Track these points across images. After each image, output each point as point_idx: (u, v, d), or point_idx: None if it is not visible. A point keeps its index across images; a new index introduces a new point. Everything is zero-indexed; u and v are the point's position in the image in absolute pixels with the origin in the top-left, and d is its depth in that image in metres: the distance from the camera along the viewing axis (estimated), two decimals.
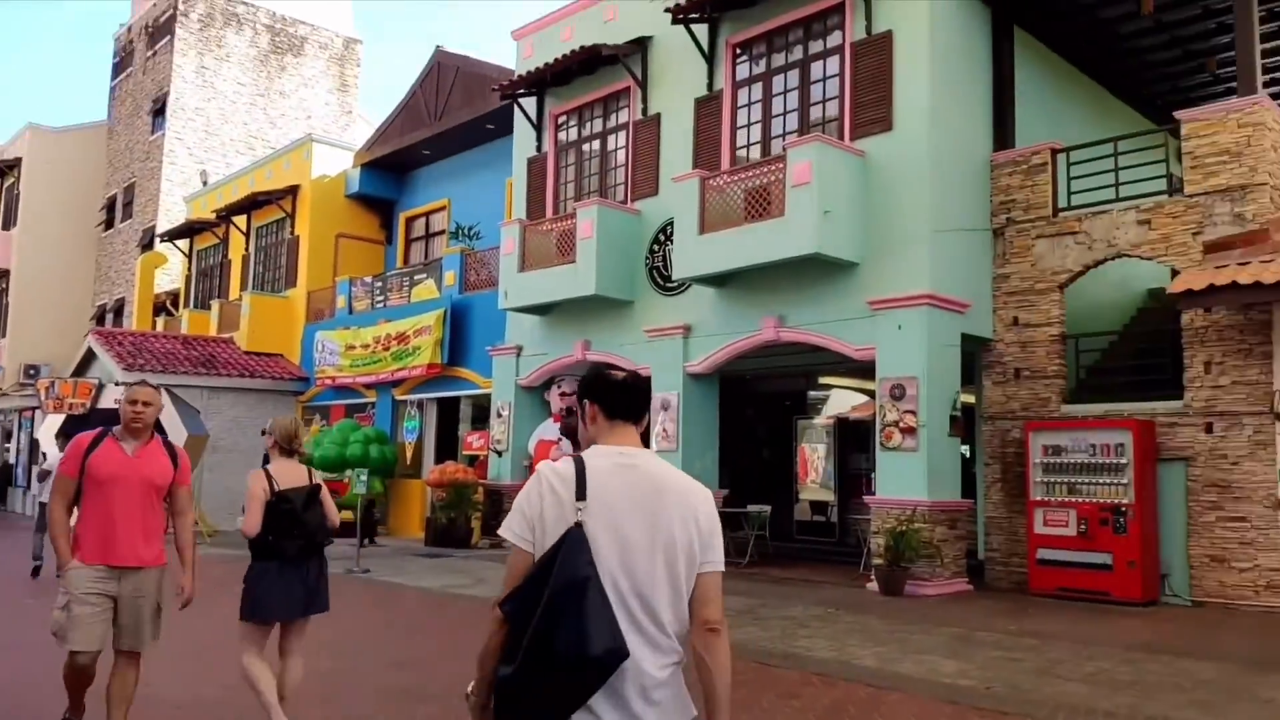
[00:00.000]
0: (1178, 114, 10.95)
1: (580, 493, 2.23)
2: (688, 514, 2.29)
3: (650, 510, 2.25)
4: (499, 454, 16.73)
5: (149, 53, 33.96)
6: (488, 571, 12.65)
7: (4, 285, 35.09)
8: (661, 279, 14.36)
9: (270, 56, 34.62)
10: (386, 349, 19.56)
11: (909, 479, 10.79)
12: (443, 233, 23.00)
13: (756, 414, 18.22)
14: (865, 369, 15.61)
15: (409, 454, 19.64)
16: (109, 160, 35.71)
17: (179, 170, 32.24)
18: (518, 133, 17.45)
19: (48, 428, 21.93)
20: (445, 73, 21.49)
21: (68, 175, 35.38)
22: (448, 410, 19.33)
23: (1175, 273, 15.49)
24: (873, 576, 10.89)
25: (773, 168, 12.02)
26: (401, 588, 11.64)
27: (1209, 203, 10.43)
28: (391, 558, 14.62)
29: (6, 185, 36.52)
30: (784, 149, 11.90)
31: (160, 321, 29.08)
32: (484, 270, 18.87)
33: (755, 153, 13.23)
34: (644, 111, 14.95)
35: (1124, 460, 10.11)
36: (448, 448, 19.12)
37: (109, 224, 34.88)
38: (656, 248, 14.52)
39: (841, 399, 16.97)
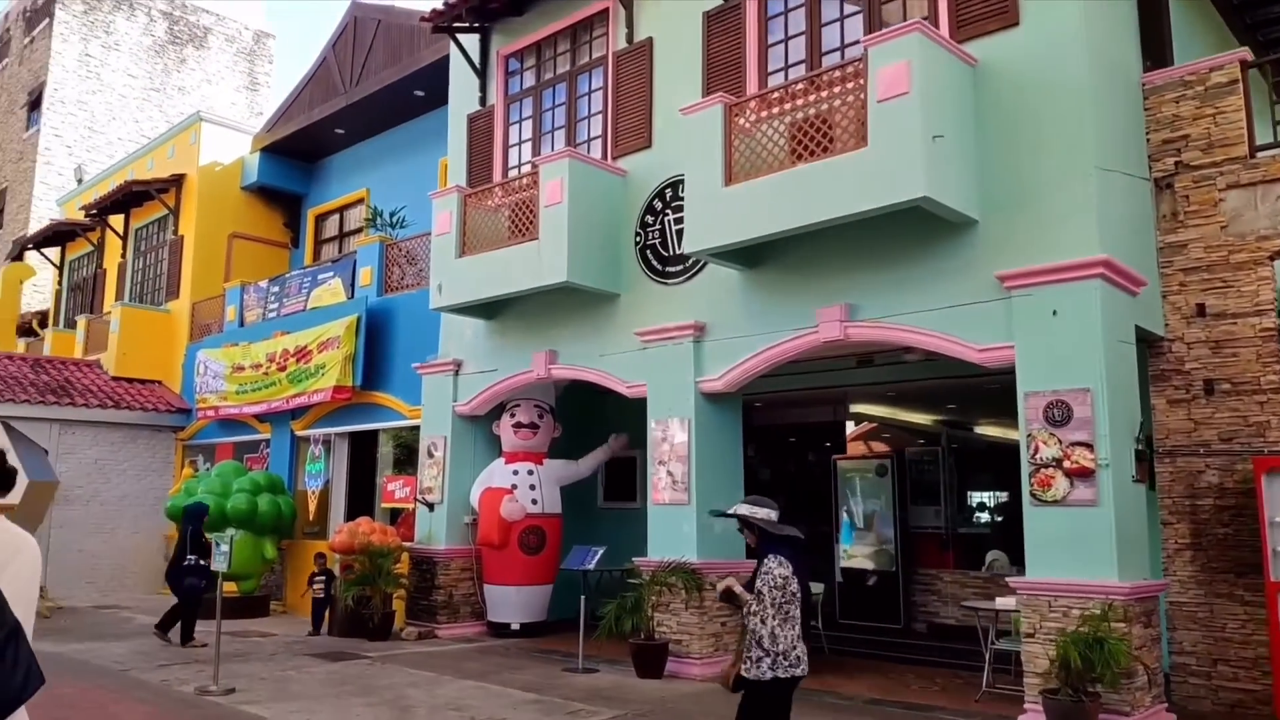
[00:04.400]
0: None
1: None
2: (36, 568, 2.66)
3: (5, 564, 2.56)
4: (430, 507, 12.43)
5: (26, 39, 29.18)
6: (417, 694, 8.33)
7: None
8: (659, 261, 10.33)
9: (168, 47, 30.08)
10: (282, 369, 15.12)
11: (1088, 551, 6.81)
12: (360, 230, 18.71)
13: (771, 453, 14.19)
14: (921, 394, 11.82)
15: (313, 506, 15.17)
16: None
17: (56, 172, 27.41)
18: (455, 83, 13.34)
19: None
20: (364, 29, 17.34)
21: None
22: (363, 448, 14.93)
23: None
24: (1040, 707, 6.80)
25: (842, 85, 8.12)
26: None
27: None
28: (274, 660, 10.18)
29: None
30: (864, 49, 7.97)
31: (23, 345, 24.06)
32: (411, 266, 14.65)
33: (798, 76, 9.33)
34: (629, 38, 10.98)
35: None
36: (364, 498, 14.72)
37: None
38: (651, 219, 10.51)
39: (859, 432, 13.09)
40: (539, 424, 12.26)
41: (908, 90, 7.46)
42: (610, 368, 10.66)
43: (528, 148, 12.28)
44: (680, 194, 10.06)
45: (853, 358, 10.87)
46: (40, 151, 27.14)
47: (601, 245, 10.58)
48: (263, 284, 17.21)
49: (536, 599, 11.87)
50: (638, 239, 10.58)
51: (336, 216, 19.76)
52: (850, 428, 13.14)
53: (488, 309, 11.93)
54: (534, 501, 11.91)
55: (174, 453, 18.47)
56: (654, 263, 10.37)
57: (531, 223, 10.77)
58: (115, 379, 18.66)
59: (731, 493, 9.86)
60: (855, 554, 11.63)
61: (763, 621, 4.74)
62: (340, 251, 19.13)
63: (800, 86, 8.55)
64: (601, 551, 10.02)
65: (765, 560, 4.84)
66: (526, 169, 11.79)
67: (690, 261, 9.90)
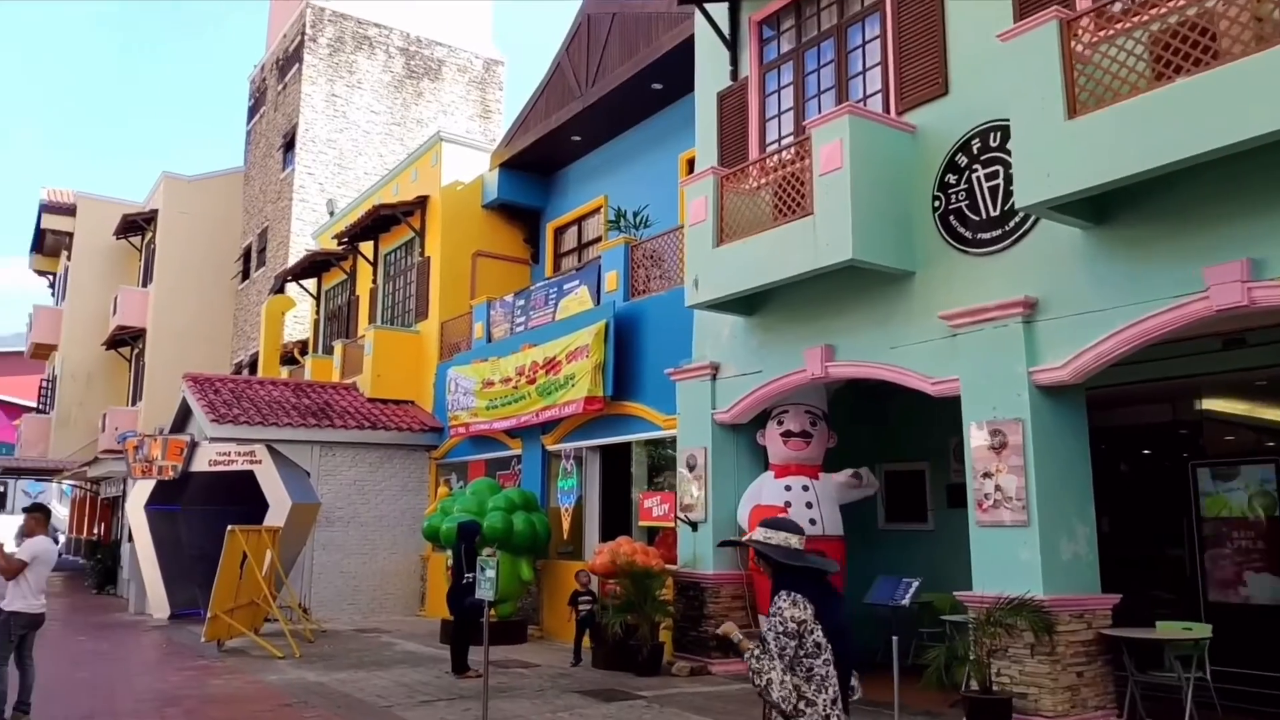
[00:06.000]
0: None
1: None
2: None
3: None
4: (693, 526, 11.21)
5: (279, 86, 31.15)
6: None
7: (141, 346, 32.68)
8: (967, 227, 8.60)
9: (405, 82, 31.19)
10: (532, 381, 14.47)
11: None
12: (598, 239, 18.02)
13: (1112, 458, 11.95)
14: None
15: (566, 525, 14.38)
16: (245, 208, 33.02)
17: (310, 208, 28.88)
18: (702, 61, 12.17)
19: (135, 498, 17.96)
20: (597, 27, 16.63)
21: (204, 226, 32.85)
22: (616, 462, 13.98)
23: None
24: None
25: None
26: None
27: None
28: (543, 697, 9.22)
29: (146, 241, 34.44)
30: None
31: (286, 373, 25.31)
32: (657, 268, 13.60)
33: None
34: None
35: None
36: (618, 516, 13.75)
37: (245, 275, 32.02)
38: (953, 179, 8.80)
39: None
40: (811, 432, 10.76)
41: None
42: (906, 361, 9.02)
43: (788, 119, 10.89)
44: (992, 144, 8.34)
45: (1216, 338, 8.68)
46: (295, 190, 28.67)
47: (890, 215, 8.97)
48: (509, 298, 16.77)
49: None
50: (936, 204, 8.90)
51: (575, 228, 19.21)
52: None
53: (748, 303, 10.61)
54: (812, 522, 10.38)
55: (428, 472, 18.39)
56: (960, 230, 8.65)
57: (802, 197, 9.33)
58: (370, 400, 18.86)
59: (1080, 510, 7.96)
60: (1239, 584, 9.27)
61: (768, 684, 3.61)
62: (579, 261, 18.53)
63: None
64: (916, 584, 8.43)
65: (775, 599, 3.76)
66: (789, 141, 10.40)
67: (1013, 223, 8.13)
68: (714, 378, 11.25)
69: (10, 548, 8.34)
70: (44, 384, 38.08)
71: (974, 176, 8.52)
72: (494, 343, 16.71)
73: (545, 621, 14.16)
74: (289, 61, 30.45)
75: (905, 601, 8.28)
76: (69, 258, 35.90)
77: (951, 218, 8.74)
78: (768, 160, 10.24)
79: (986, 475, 7.98)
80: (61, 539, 41.89)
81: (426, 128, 30.77)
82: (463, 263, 19.62)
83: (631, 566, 10.60)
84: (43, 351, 36.93)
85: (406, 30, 31.33)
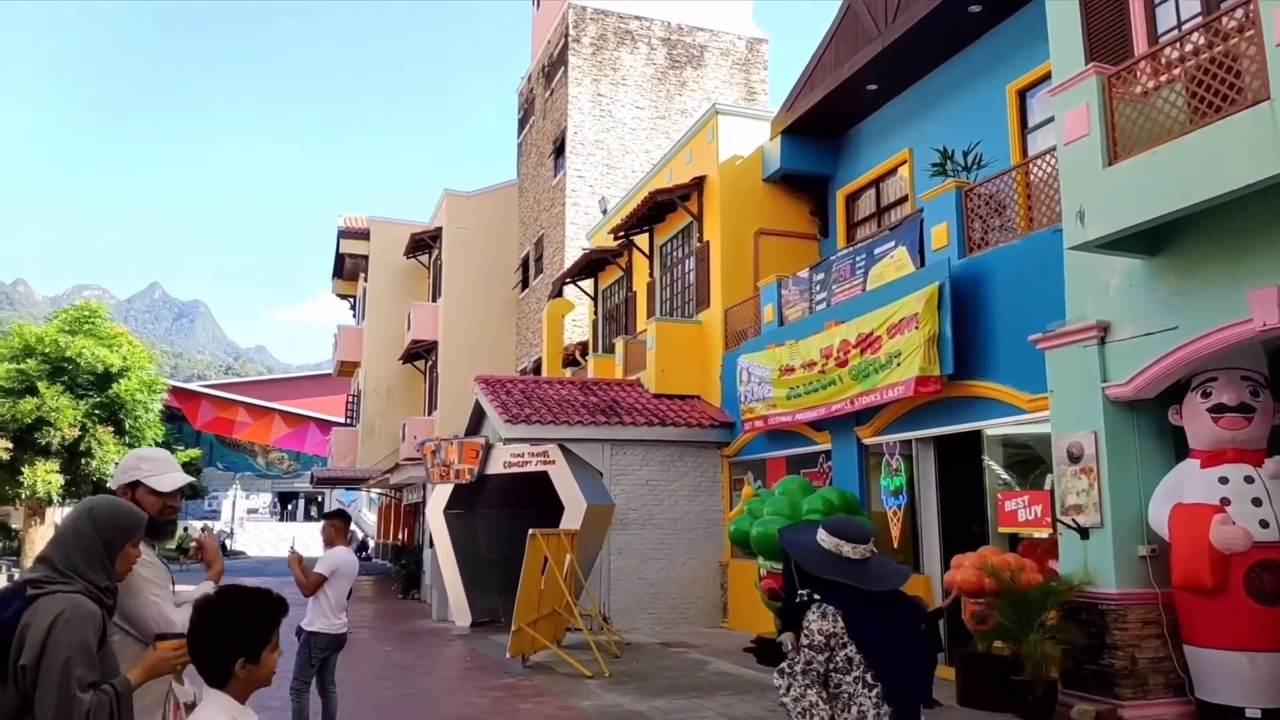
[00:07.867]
0: None
1: None
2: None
3: None
4: (1082, 532, 8.80)
5: (546, 93, 31.23)
6: None
7: (433, 358, 33.96)
8: None
9: (668, 73, 30.26)
10: (843, 364, 12.52)
11: None
12: (903, 200, 15.79)
13: None
14: None
15: (895, 531, 12.29)
16: (520, 218, 33.51)
17: (583, 211, 28.56)
18: None
19: (434, 502, 17.85)
20: None
21: (484, 240, 33.63)
22: (957, 456, 11.70)
23: None
24: None
25: None
26: None
27: None
28: None
29: (433, 258, 35.86)
30: None
31: (569, 374, 24.94)
32: (998, 217, 11.24)
33: None
34: None
35: None
36: (960, 520, 11.49)
37: (525, 283, 32.42)
38: None
39: None
40: (1253, 405, 8.07)
41: None
42: None
43: (1187, 0, 8.31)
44: None
45: None
46: (568, 194, 28.41)
47: None
48: (803, 274, 14.94)
49: None
50: None
51: (871, 192, 17.06)
52: None
53: (1152, 238, 8.13)
54: (1264, 524, 7.74)
55: (720, 470, 16.94)
56: None
57: (1241, 81, 6.81)
58: (656, 396, 17.72)
59: None
60: None
61: (789, 696, 3.47)
62: (878, 229, 16.36)
63: None
64: None
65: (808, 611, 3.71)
66: (1194, 23, 7.82)
67: None
68: (1102, 341, 8.80)
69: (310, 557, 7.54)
70: (350, 399, 40.77)
71: None
72: (787, 325, 14.94)
73: None
74: (554, 67, 30.40)
75: None
76: (365, 279, 38.11)
77: None
78: (1163, 52, 7.73)
79: None
80: (372, 543, 44.74)
81: (691, 119, 29.63)
82: (744, 244, 18.02)
83: (1011, 584, 8.40)
84: (348, 369, 39.49)
85: (667, 19, 30.41)
